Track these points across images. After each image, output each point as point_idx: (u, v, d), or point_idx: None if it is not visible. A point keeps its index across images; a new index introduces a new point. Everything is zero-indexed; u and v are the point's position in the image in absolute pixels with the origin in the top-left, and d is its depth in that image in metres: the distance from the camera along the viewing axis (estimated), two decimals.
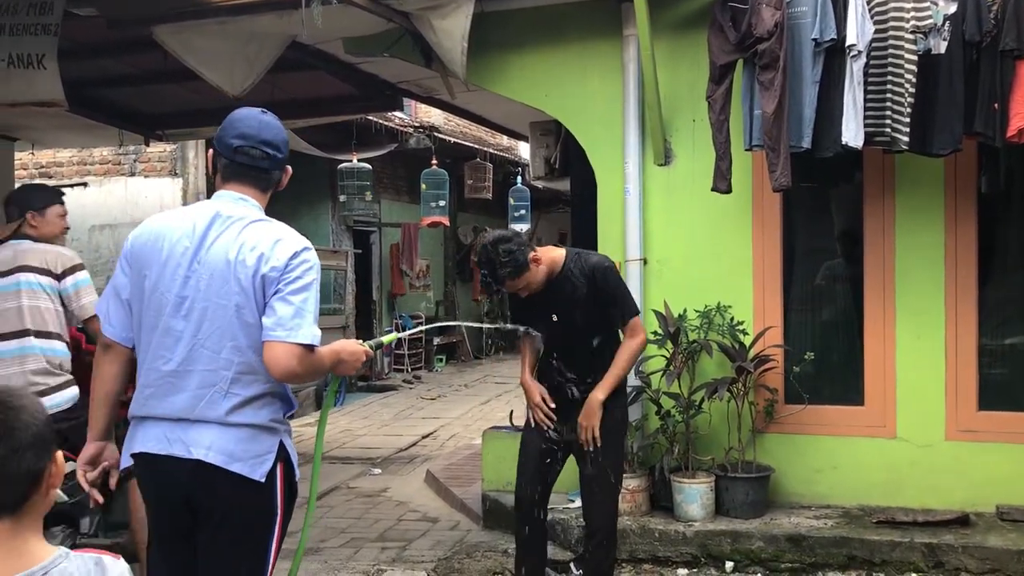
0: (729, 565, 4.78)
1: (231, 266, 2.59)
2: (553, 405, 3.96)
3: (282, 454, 2.66)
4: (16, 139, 9.23)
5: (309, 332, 2.55)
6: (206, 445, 2.57)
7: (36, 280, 4.08)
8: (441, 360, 15.83)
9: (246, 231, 2.64)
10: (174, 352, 2.60)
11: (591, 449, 3.90)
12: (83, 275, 4.19)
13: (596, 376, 3.95)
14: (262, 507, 2.64)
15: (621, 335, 4.05)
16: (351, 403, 11.76)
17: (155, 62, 6.84)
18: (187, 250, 2.63)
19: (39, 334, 4.04)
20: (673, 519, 5.02)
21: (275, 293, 2.57)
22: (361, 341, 2.90)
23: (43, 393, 3.88)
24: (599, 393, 3.90)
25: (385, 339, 3.08)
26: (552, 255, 3.90)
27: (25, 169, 10.61)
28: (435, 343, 15.71)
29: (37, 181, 10.78)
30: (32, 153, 10.38)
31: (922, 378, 5.09)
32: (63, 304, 4.13)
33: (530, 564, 4.04)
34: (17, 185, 9.76)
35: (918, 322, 5.10)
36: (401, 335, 3.27)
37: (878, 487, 5.14)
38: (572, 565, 4.48)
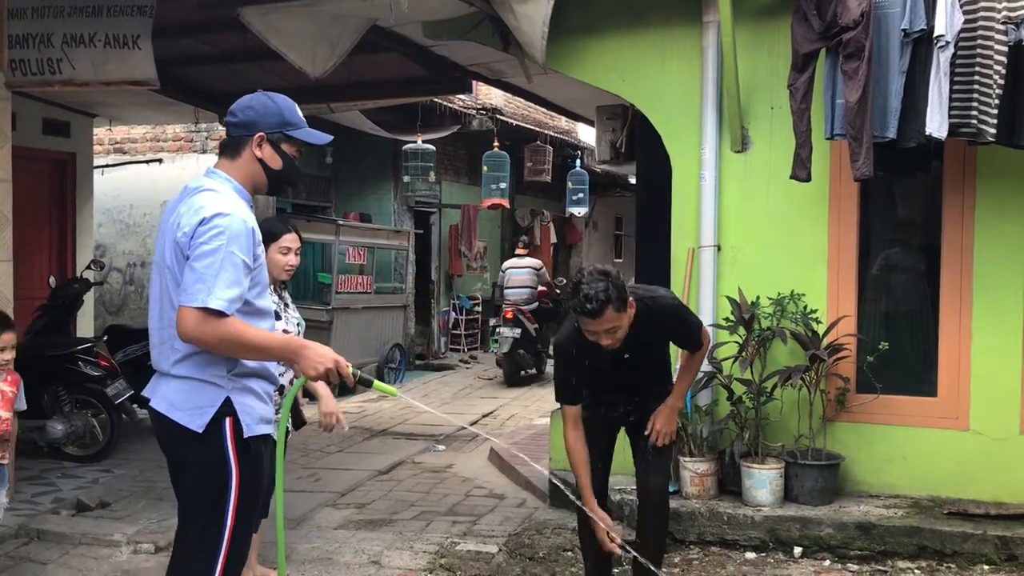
0: (797, 551, 4.82)
1: (169, 232, 2.85)
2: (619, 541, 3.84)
3: (227, 409, 2.82)
4: (95, 115, 9.53)
5: (207, 296, 2.68)
6: (160, 395, 2.87)
7: (530, 269, 12.13)
8: (496, 341, 15.93)
9: (187, 200, 2.86)
10: (151, 311, 2.93)
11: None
12: (544, 268, 12.32)
13: (645, 394, 4.09)
14: (208, 459, 2.82)
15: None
16: (410, 381, 11.94)
17: (235, 42, 7.03)
18: (163, 221, 2.93)
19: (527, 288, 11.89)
20: (741, 503, 5.08)
21: (187, 259, 2.75)
22: (351, 365, 2.83)
23: (527, 303, 11.98)
24: (677, 402, 4.07)
25: (376, 383, 2.92)
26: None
27: (101, 144, 10.92)
28: (491, 324, 15.82)
29: (113, 156, 11.10)
30: (109, 129, 10.69)
31: (998, 370, 5.06)
32: (538, 278, 12.07)
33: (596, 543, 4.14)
34: (96, 160, 10.06)
35: (995, 313, 5.07)
36: (391, 392, 3.01)
37: (949, 479, 5.13)
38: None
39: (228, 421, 2.82)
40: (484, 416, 9.41)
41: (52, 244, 9.26)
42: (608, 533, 3.82)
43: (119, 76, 5.50)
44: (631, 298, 3.67)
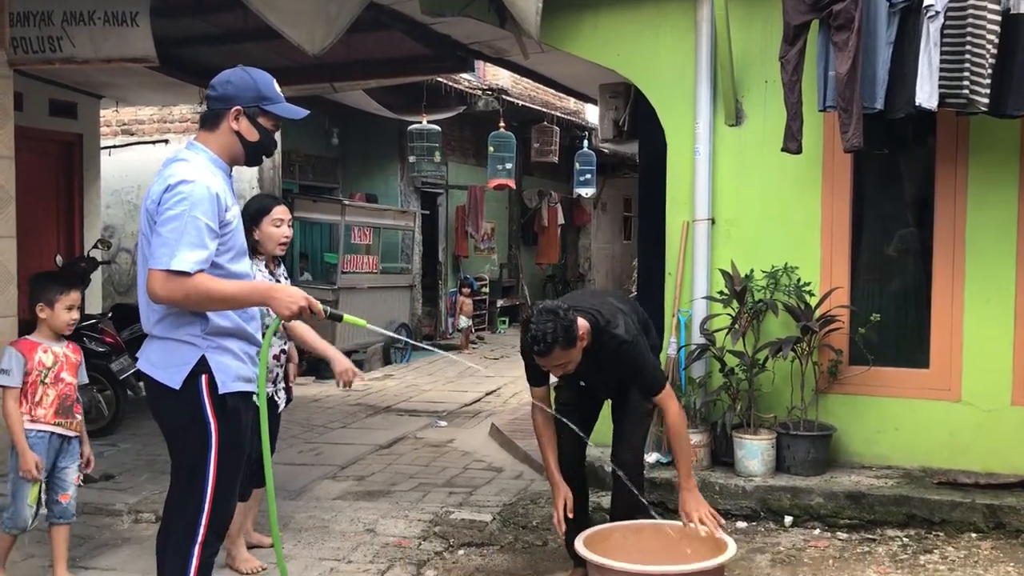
0: (788, 520, 4.87)
1: (144, 202, 2.99)
2: (571, 516, 3.97)
3: (203, 367, 2.94)
4: (102, 96, 9.60)
5: (171, 259, 2.80)
6: (143, 355, 3.03)
7: None
8: (504, 322, 16.04)
9: (162, 171, 2.98)
10: (139, 278, 3.03)
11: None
12: None
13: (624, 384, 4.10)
14: (187, 414, 2.95)
15: None
16: (416, 360, 12.03)
17: (236, 21, 7.10)
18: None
19: None
20: (734, 474, 5.12)
21: (155, 225, 2.88)
22: (324, 305, 2.98)
23: None
24: (688, 482, 3.90)
25: (346, 317, 3.08)
26: (583, 330, 3.76)
27: (108, 126, 10.99)
28: (498, 305, 15.91)
29: (120, 138, 11.20)
30: (116, 110, 10.77)
31: (990, 342, 5.08)
32: None
33: (575, 511, 4.19)
34: (103, 141, 10.14)
35: (988, 286, 5.08)
36: (366, 325, 3.16)
37: (940, 450, 5.16)
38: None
39: (204, 378, 2.95)
40: (488, 394, 9.48)
41: (60, 224, 9.35)
42: (560, 509, 3.93)
43: (119, 53, 5.56)
44: (583, 329, 3.70)
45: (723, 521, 3.97)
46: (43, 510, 4.07)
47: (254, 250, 4.24)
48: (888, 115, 4.61)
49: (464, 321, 13.63)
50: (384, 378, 10.45)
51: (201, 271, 2.85)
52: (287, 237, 4.32)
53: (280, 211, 4.28)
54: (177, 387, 2.94)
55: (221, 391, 2.97)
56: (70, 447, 4.12)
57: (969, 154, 5.10)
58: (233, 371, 3.02)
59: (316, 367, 10.53)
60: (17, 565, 4.41)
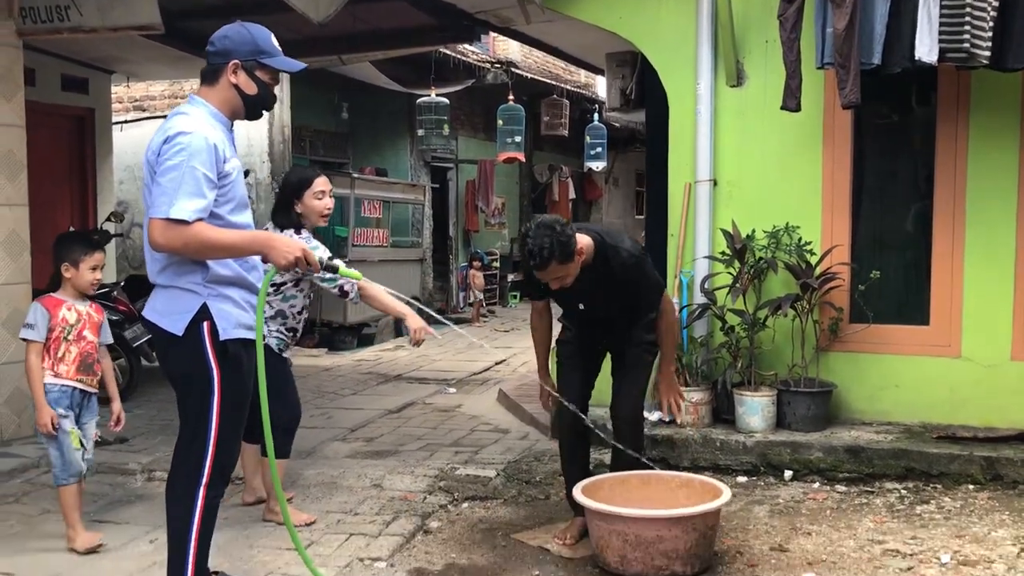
0: (788, 474, 4.93)
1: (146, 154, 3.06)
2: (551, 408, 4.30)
3: (204, 314, 3.02)
4: (113, 72, 9.69)
5: (170, 208, 2.87)
6: (149, 305, 3.13)
7: None
8: (515, 297, 16.10)
9: (163, 124, 3.05)
10: (144, 230, 3.06)
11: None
12: None
13: (626, 326, 4.16)
14: (190, 360, 3.04)
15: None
16: None
17: None
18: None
19: None
20: (734, 430, 5.19)
21: (155, 175, 2.94)
22: (326, 256, 3.06)
23: None
24: (668, 367, 4.24)
25: (342, 269, 3.14)
26: (584, 245, 3.81)
27: (120, 102, 11.08)
28: (509, 280, 15.97)
29: (132, 114, 11.29)
30: (127, 86, 10.85)
31: (989, 298, 5.12)
32: None
33: (577, 466, 4.27)
34: (115, 117, 10.23)
35: (987, 243, 5.11)
36: (361, 278, 3.28)
37: (941, 406, 5.21)
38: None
39: (206, 325, 3.03)
40: (497, 363, 9.56)
41: (73, 199, 9.46)
42: (543, 397, 4.31)
43: (125, 22, 5.63)
44: (582, 244, 3.75)
45: (679, 400, 4.29)
46: (88, 456, 4.16)
47: (298, 224, 4.28)
48: (885, 70, 4.62)
49: (477, 294, 13.73)
50: (395, 349, 10.55)
51: (200, 220, 2.92)
52: (329, 208, 4.34)
53: (321, 183, 4.30)
54: (180, 333, 3.03)
55: (222, 337, 3.05)
56: (90, 404, 4.21)
57: (970, 111, 5.11)
58: (234, 318, 3.10)
59: (329, 339, 10.66)
60: (32, 519, 4.54)
